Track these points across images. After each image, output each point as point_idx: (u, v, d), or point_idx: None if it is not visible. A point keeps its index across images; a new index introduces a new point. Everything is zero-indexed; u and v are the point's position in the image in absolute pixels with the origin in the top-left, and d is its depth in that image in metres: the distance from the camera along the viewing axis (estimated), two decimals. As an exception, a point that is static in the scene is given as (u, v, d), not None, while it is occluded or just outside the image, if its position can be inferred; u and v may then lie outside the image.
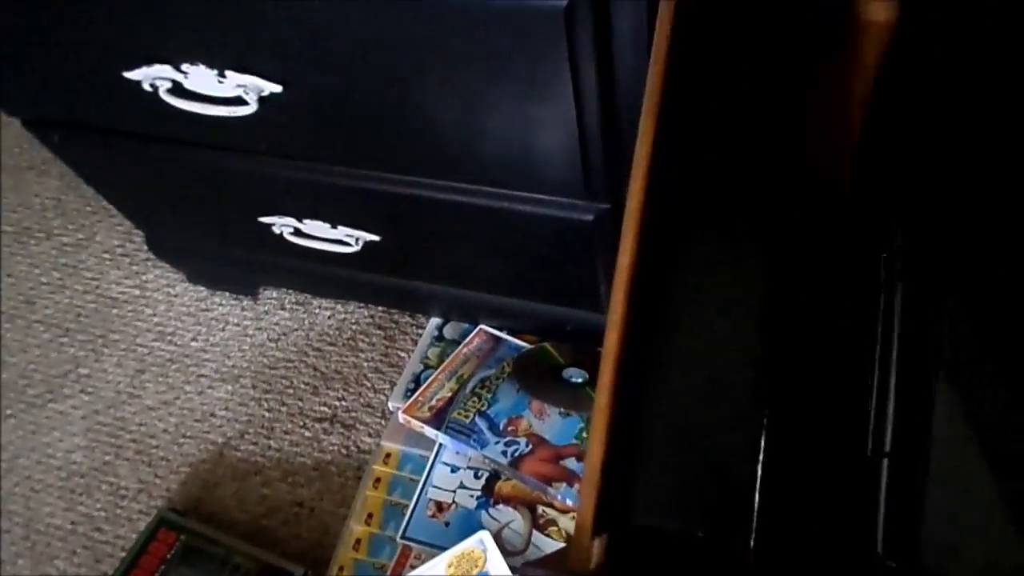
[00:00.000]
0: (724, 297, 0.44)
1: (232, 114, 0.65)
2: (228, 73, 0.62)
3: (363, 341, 1.07)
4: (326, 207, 0.80)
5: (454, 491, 0.88)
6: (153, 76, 0.64)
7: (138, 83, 0.66)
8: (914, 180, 0.47)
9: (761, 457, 0.42)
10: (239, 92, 0.63)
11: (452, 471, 0.90)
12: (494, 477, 0.89)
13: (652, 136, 0.49)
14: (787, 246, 0.46)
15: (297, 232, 0.85)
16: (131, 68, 0.65)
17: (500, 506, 0.87)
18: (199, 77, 0.63)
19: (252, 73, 0.62)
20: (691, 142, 0.51)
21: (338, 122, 0.66)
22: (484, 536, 0.79)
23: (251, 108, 0.64)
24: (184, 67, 0.63)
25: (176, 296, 1.15)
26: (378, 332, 1.07)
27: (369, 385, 1.04)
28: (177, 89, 0.65)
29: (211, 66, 0.62)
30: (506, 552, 0.82)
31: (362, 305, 1.09)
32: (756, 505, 0.41)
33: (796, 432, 0.42)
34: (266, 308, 1.12)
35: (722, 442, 0.42)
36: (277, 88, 0.62)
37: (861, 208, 0.47)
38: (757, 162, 0.48)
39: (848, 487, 0.43)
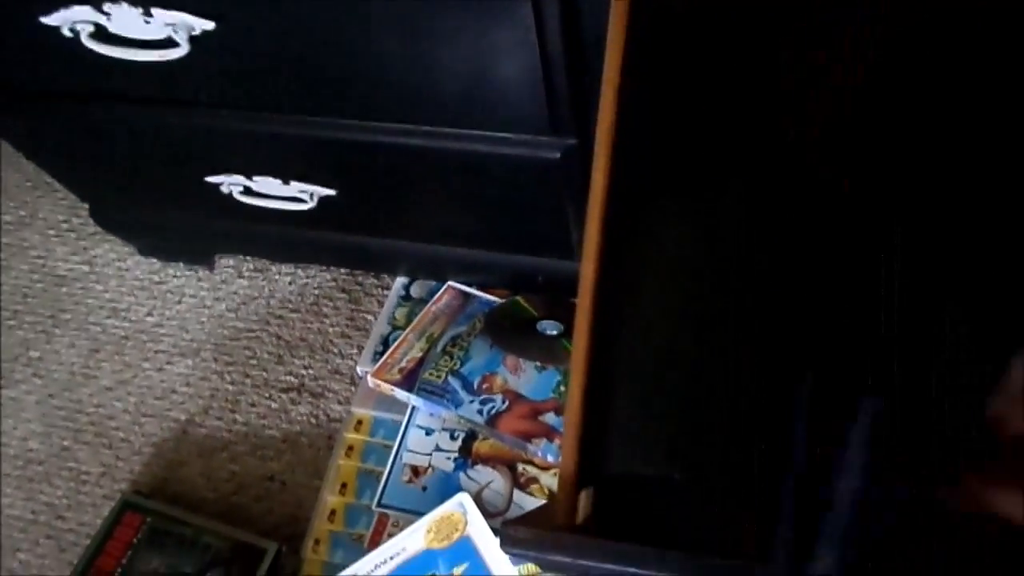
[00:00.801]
0: (706, 243, 0.41)
1: (163, 58, 0.59)
2: (154, 11, 0.57)
3: (327, 306, 1.02)
4: (275, 161, 0.75)
5: (430, 454, 0.85)
6: (72, 19, 0.59)
7: (57, 29, 0.60)
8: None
9: (743, 398, 0.39)
10: (168, 32, 0.58)
11: (427, 434, 0.86)
12: (471, 437, 0.85)
13: (621, 54, 0.45)
14: (770, 202, 0.43)
15: (247, 191, 0.80)
16: (48, 12, 0.59)
17: (479, 467, 0.83)
18: (123, 17, 0.58)
19: (180, 9, 0.56)
20: (663, 74, 0.48)
21: (279, 62, 0.61)
22: (463, 498, 0.75)
23: (183, 50, 0.59)
24: (106, 7, 0.58)
25: (127, 270, 1.09)
26: (342, 295, 1.03)
27: (336, 351, 1.00)
28: (100, 33, 0.60)
29: (134, 3, 0.57)
30: (487, 513, 0.79)
31: (324, 268, 1.04)
32: (731, 445, 0.38)
33: (783, 394, 0.39)
34: (223, 277, 1.06)
35: (700, 384, 0.39)
36: (209, 25, 0.57)
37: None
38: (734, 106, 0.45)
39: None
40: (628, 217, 0.41)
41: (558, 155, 0.66)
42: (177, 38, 0.58)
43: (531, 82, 0.57)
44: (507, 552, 0.36)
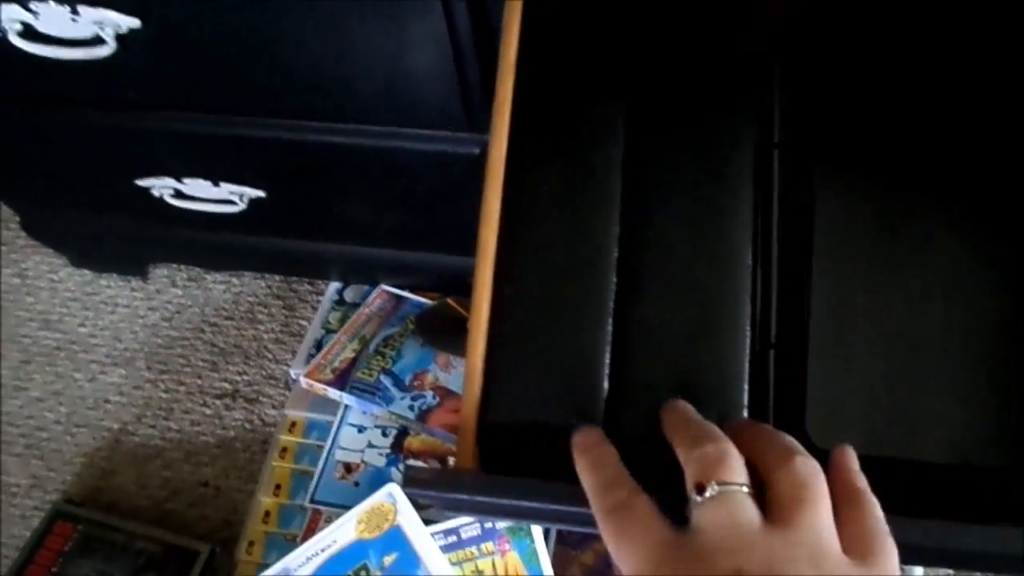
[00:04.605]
0: (583, 187, 0.44)
1: (90, 56, 0.61)
2: (81, 8, 0.59)
3: (261, 312, 1.04)
4: (204, 162, 0.77)
5: (362, 451, 0.86)
6: (1, 18, 0.61)
7: (-16, 28, 0.62)
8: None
9: (613, 342, 0.42)
10: (95, 30, 0.60)
11: (359, 431, 0.88)
12: (403, 434, 0.87)
13: (516, 38, 0.48)
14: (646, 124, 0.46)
15: (178, 194, 0.81)
16: (-25, 11, 0.61)
17: (410, 461, 0.85)
18: (51, 15, 0.60)
19: (106, 6, 0.58)
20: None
21: (203, 61, 0.63)
22: (393, 489, 0.77)
23: (110, 48, 0.61)
24: (33, 5, 0.59)
25: (60, 282, 1.09)
26: (276, 302, 1.04)
27: (271, 357, 1.01)
28: (28, 32, 0.61)
29: (61, 1, 0.59)
30: (418, 506, 0.81)
31: (258, 276, 1.06)
32: (606, 392, 0.41)
33: (663, 317, 0.42)
34: (157, 287, 1.07)
35: (576, 330, 0.42)
36: (135, 23, 0.59)
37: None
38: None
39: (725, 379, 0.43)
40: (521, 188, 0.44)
41: (477, 151, 0.69)
42: (104, 36, 0.60)
43: (445, 76, 0.61)
44: (407, 492, 0.38)
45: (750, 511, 0.34)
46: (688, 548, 0.34)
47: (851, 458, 0.39)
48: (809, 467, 0.35)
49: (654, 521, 0.35)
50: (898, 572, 0.35)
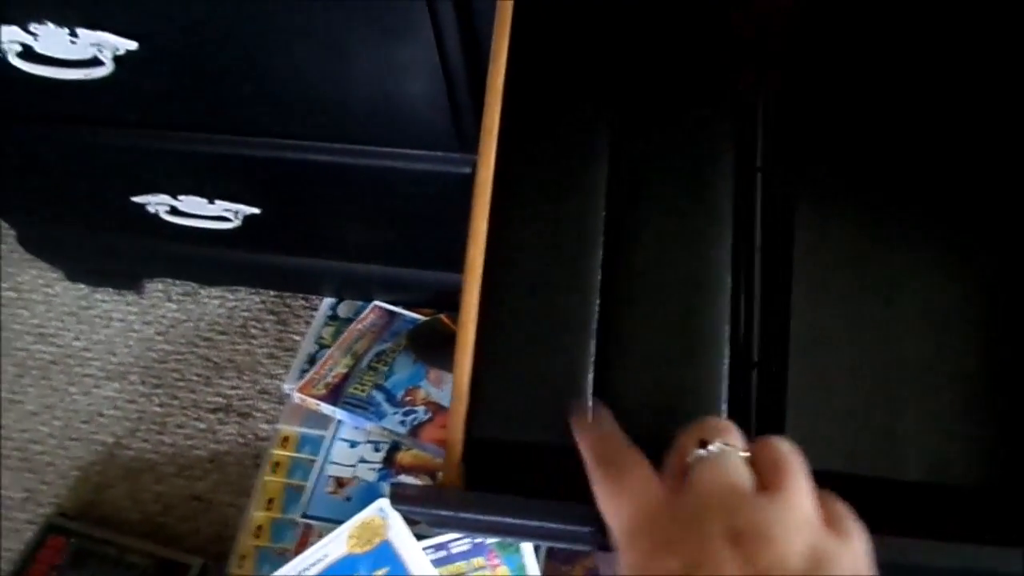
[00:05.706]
0: (568, 210, 0.45)
1: (88, 76, 0.62)
2: (80, 31, 0.60)
3: (255, 327, 1.04)
4: (200, 180, 0.78)
5: (354, 466, 0.87)
6: (1, 39, 0.62)
7: (-16, 49, 0.63)
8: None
9: (596, 362, 0.42)
10: (93, 52, 0.61)
11: (351, 446, 0.88)
12: (394, 449, 0.88)
13: (504, 65, 0.49)
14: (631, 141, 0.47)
15: (173, 211, 0.82)
16: (-25, 33, 0.62)
17: (402, 476, 0.86)
18: (50, 37, 0.61)
19: (104, 29, 0.60)
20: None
21: (199, 81, 0.64)
22: (384, 504, 0.78)
23: (107, 69, 0.62)
24: (32, 27, 0.61)
25: (55, 296, 1.10)
26: (270, 317, 1.05)
27: (264, 371, 1.02)
28: (28, 53, 0.63)
29: (61, 24, 0.60)
30: (409, 521, 0.81)
31: (253, 291, 1.06)
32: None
33: (645, 338, 0.43)
34: (152, 302, 1.08)
35: (560, 349, 0.43)
36: (132, 45, 0.60)
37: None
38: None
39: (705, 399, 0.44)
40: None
41: (469, 171, 0.70)
42: (102, 57, 0.61)
43: (437, 99, 0.62)
44: (396, 508, 0.39)
45: (745, 473, 0.35)
46: (683, 507, 0.34)
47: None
48: (790, 445, 0.37)
49: (651, 479, 0.36)
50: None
